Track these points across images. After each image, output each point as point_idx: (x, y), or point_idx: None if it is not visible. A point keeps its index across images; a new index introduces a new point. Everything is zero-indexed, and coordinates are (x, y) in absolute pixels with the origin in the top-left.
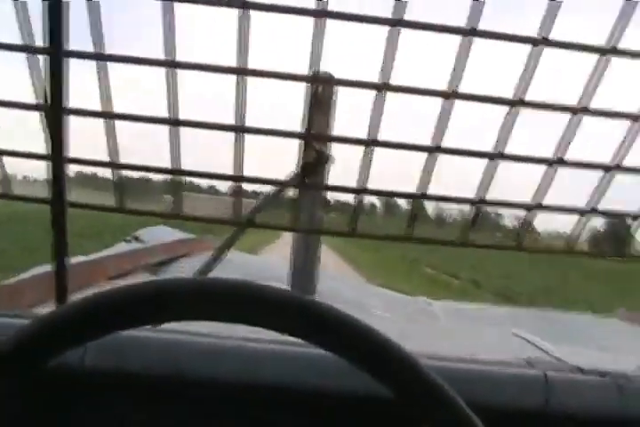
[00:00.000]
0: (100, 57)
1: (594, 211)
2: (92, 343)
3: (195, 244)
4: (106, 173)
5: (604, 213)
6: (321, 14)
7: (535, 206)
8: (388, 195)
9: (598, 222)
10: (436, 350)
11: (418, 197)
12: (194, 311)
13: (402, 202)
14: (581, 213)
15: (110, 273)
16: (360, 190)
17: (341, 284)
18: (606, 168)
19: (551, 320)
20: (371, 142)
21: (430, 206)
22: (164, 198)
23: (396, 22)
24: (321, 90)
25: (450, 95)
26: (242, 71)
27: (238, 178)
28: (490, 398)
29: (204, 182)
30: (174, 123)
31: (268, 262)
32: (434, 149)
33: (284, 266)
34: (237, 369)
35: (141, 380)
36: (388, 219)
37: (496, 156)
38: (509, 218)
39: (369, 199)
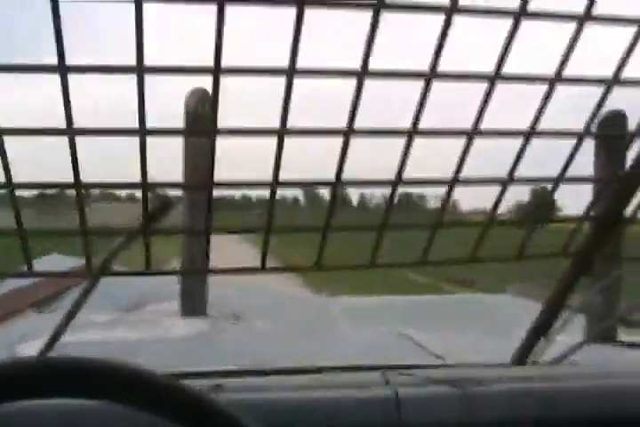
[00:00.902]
0: None
1: (512, 179)
2: None
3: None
4: None
5: (524, 180)
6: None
7: (454, 181)
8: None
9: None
10: (317, 361)
11: (334, 184)
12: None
13: (324, 192)
14: (502, 182)
15: None
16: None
17: (235, 291)
18: (525, 134)
19: (445, 306)
20: (209, 185)
21: (354, 193)
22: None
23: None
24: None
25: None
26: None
27: (84, 231)
28: (342, 422)
29: None
30: None
31: (159, 280)
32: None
33: (174, 284)
34: None
35: None
36: (312, 210)
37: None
38: (435, 200)
39: (291, 193)
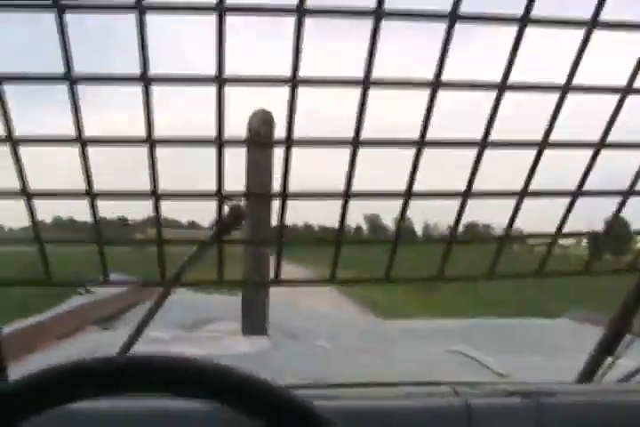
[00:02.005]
0: None
1: (581, 193)
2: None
3: (147, 290)
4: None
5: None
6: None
7: (466, 193)
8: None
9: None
10: (376, 377)
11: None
12: (114, 388)
13: (388, 222)
14: (572, 194)
15: (60, 332)
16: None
17: (293, 317)
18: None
19: (501, 330)
20: (283, 195)
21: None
22: None
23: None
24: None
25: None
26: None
27: (160, 241)
28: None
29: None
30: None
31: (218, 302)
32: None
33: (235, 304)
34: None
35: None
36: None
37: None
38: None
39: (355, 221)
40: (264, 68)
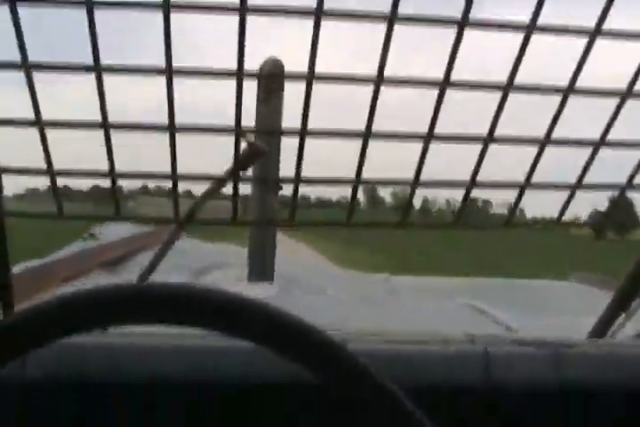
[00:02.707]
0: None
1: (580, 185)
2: (32, 354)
3: (152, 236)
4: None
5: (595, 187)
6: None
7: (525, 185)
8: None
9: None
10: (389, 327)
11: (354, 183)
12: (137, 316)
13: (386, 194)
14: (571, 187)
15: (65, 274)
16: (298, 181)
17: (300, 268)
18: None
19: (510, 288)
20: (304, 133)
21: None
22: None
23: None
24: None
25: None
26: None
27: (174, 176)
28: (430, 377)
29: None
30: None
31: (224, 250)
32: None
33: (240, 252)
34: (179, 368)
35: (86, 387)
36: (372, 212)
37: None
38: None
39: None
40: None
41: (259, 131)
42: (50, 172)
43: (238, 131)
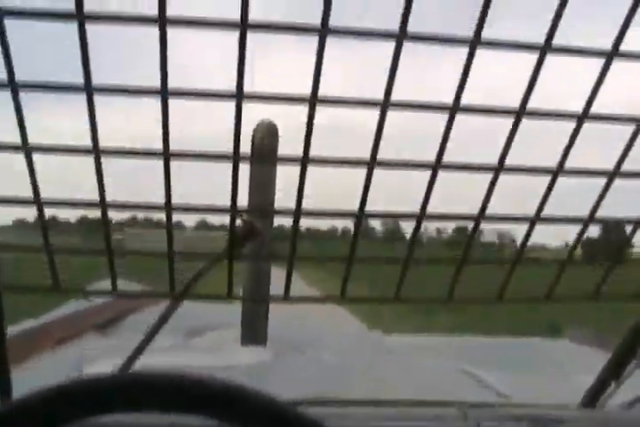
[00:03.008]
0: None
1: (593, 219)
2: None
3: (144, 296)
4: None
5: (603, 221)
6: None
7: (479, 216)
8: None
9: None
10: (380, 395)
11: (358, 216)
12: (119, 406)
13: (377, 225)
14: (583, 221)
15: (59, 336)
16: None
17: (292, 327)
18: (608, 174)
19: (503, 348)
20: (297, 213)
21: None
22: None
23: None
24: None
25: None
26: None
27: (171, 253)
28: None
29: None
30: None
31: (220, 309)
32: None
33: (237, 311)
34: None
35: None
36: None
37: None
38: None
39: (347, 225)
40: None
41: (253, 212)
42: (37, 202)
43: (234, 212)
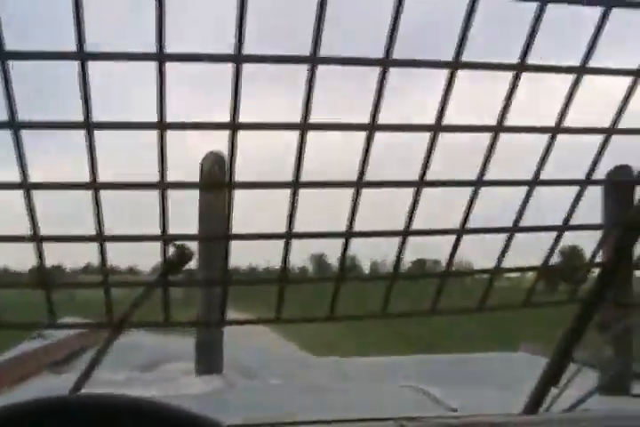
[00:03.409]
0: None
1: (517, 228)
2: None
3: (99, 333)
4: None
5: (530, 229)
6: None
7: (462, 230)
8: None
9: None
10: (328, 414)
11: (346, 235)
12: None
13: (332, 260)
14: (508, 231)
15: (14, 376)
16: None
17: (249, 353)
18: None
19: (458, 364)
20: (226, 237)
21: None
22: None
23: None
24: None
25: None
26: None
27: (106, 284)
28: None
29: None
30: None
31: (174, 341)
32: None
33: (186, 344)
34: None
35: None
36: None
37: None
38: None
39: (300, 260)
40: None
41: (182, 237)
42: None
43: (164, 238)
